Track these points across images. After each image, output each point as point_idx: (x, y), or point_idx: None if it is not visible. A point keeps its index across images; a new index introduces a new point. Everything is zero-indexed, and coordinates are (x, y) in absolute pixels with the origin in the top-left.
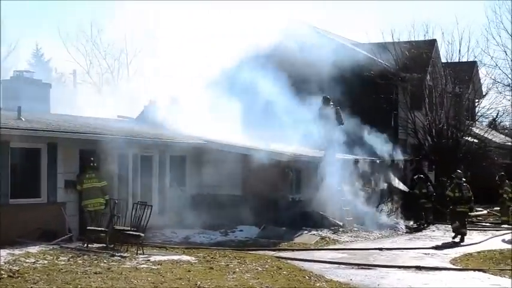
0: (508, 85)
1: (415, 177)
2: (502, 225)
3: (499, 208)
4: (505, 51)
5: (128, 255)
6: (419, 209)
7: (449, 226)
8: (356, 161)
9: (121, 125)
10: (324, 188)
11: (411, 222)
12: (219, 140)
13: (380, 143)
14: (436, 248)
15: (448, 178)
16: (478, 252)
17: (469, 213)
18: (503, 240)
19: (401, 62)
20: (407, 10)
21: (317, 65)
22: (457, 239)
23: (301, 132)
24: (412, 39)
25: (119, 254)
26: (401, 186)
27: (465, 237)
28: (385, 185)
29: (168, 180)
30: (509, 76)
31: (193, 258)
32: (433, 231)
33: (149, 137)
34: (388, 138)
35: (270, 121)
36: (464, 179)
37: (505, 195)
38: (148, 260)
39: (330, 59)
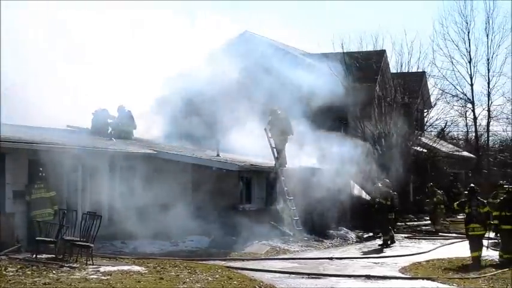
0: (455, 95)
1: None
2: (439, 234)
3: (430, 218)
4: (452, 62)
5: (78, 266)
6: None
7: (399, 236)
8: (306, 170)
9: (70, 135)
10: (274, 197)
11: (361, 232)
12: (169, 149)
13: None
14: (384, 255)
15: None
16: (427, 261)
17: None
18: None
19: (350, 72)
20: (358, 21)
21: (267, 74)
22: (388, 246)
23: (252, 142)
24: (362, 49)
25: (68, 265)
26: (364, 194)
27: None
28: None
29: (118, 190)
30: (456, 87)
31: (144, 268)
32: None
33: (98, 147)
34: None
35: (220, 131)
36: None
37: (440, 206)
38: (98, 271)
39: (279, 68)
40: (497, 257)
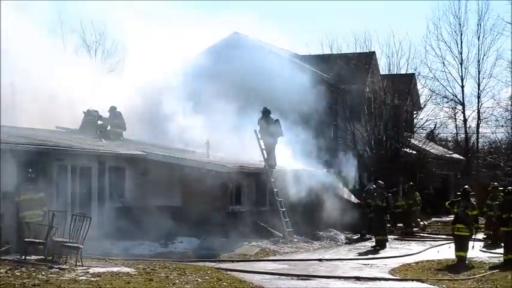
0: (446, 97)
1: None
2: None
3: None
4: (443, 63)
5: (67, 267)
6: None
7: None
8: (296, 172)
9: (60, 136)
10: (264, 199)
11: (350, 234)
12: (158, 151)
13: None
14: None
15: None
16: (417, 262)
17: None
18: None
19: (340, 74)
20: (347, 23)
21: (257, 76)
22: (380, 248)
23: (243, 143)
24: (351, 51)
25: (58, 266)
26: (352, 197)
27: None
28: (326, 196)
29: (107, 191)
30: (447, 88)
31: (133, 269)
32: (373, 241)
33: (88, 148)
34: (328, 149)
35: (210, 131)
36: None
37: (417, 208)
38: (87, 272)
39: (269, 70)
40: (487, 258)
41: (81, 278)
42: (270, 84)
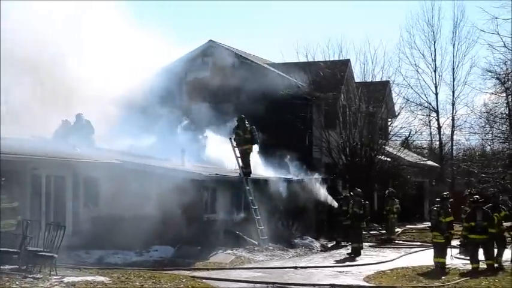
0: (420, 104)
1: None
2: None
3: (384, 225)
4: (417, 71)
5: (41, 276)
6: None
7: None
8: (271, 180)
9: (34, 145)
10: (239, 207)
11: (326, 241)
12: (133, 159)
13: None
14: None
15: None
16: (392, 269)
17: None
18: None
19: (315, 82)
20: (322, 31)
21: (231, 84)
22: (356, 256)
23: (217, 151)
24: (326, 59)
25: (32, 276)
26: (333, 202)
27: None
28: (301, 203)
29: (82, 200)
30: (421, 95)
31: (108, 278)
32: (348, 249)
33: (62, 156)
34: (303, 157)
35: (185, 140)
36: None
37: (391, 215)
38: (62, 282)
39: (244, 78)
40: (461, 265)
41: (55, 287)
42: (244, 92)
